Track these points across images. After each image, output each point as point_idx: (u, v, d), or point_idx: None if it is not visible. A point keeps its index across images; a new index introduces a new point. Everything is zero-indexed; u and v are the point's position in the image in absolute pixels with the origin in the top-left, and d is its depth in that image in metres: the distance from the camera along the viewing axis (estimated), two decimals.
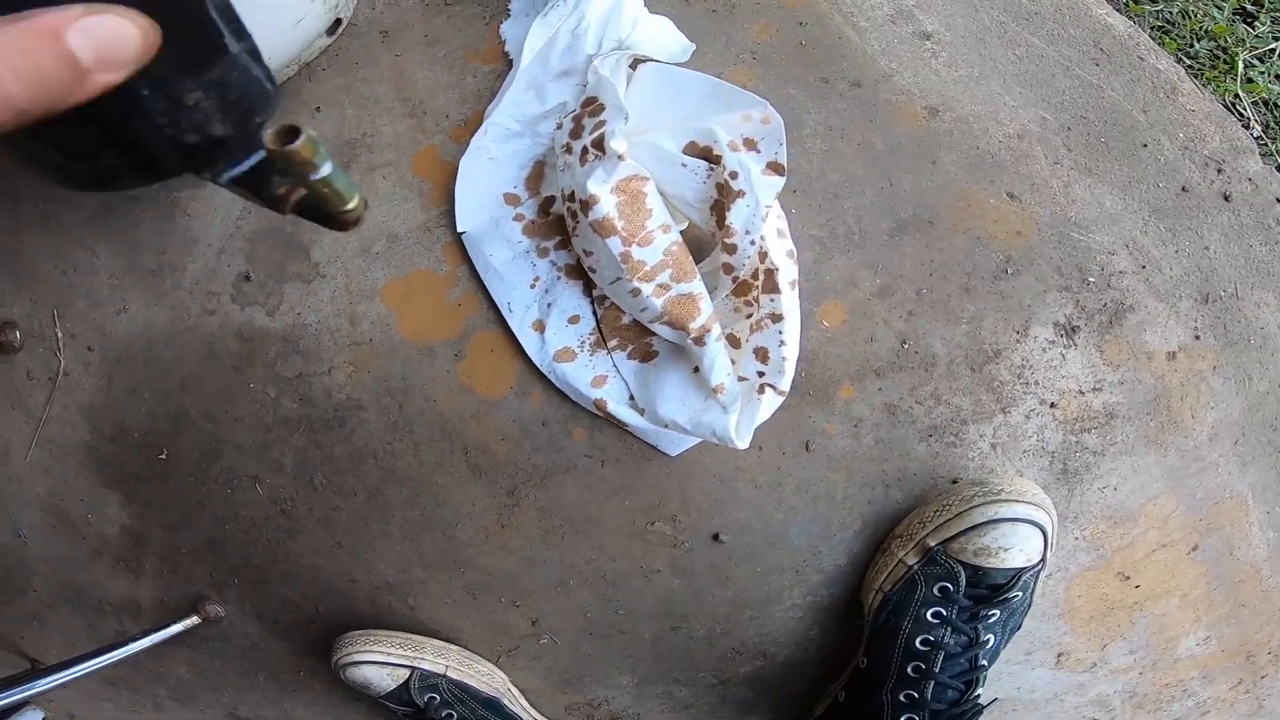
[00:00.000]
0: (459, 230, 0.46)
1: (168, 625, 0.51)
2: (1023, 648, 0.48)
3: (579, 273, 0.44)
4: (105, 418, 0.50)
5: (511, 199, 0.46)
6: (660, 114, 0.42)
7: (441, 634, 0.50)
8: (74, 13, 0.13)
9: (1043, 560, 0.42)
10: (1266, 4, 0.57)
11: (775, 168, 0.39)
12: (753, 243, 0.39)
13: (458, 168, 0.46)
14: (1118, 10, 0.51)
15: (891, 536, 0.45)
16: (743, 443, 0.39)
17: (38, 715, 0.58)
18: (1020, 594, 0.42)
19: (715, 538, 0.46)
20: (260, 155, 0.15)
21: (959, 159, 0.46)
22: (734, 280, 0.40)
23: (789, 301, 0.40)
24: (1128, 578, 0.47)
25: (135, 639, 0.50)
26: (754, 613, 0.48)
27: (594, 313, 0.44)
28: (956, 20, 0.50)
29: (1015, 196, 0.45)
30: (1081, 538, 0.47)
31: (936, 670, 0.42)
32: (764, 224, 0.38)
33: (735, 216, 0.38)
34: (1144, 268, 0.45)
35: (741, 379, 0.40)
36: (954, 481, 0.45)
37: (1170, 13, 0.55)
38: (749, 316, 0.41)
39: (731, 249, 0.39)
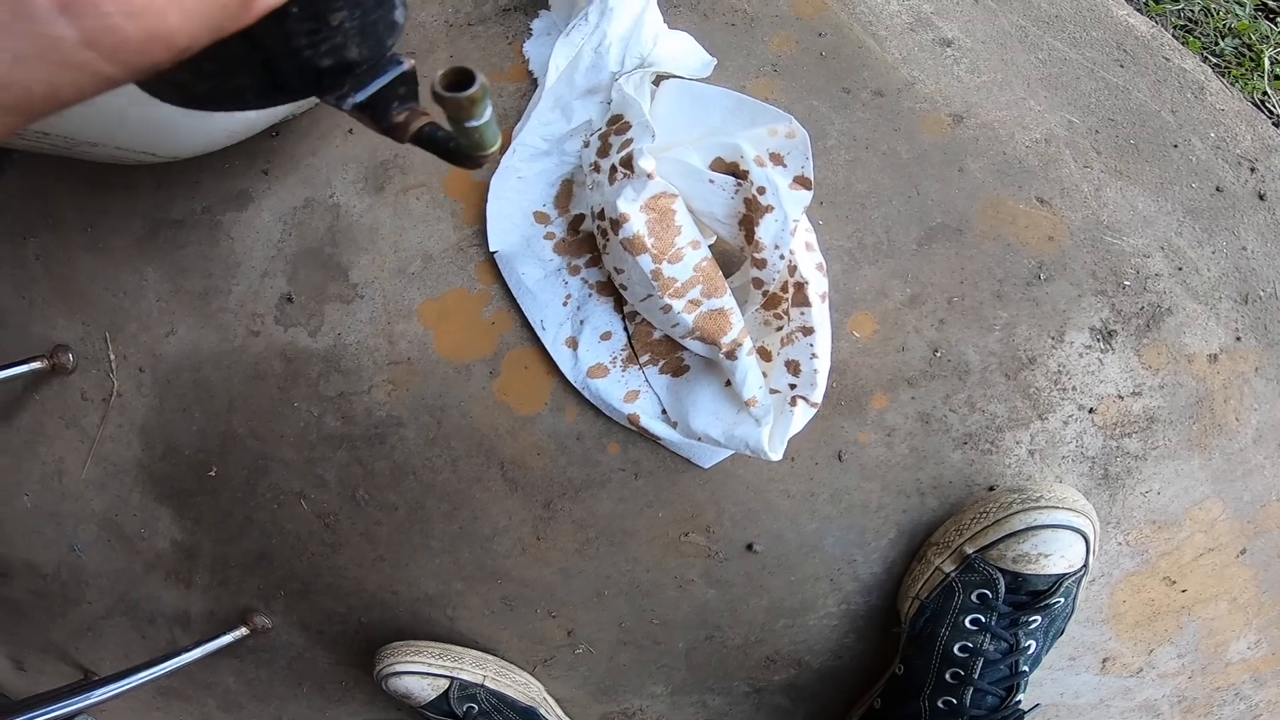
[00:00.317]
0: (491, 249, 0.47)
1: (218, 637, 0.53)
2: (1066, 653, 0.48)
3: (610, 289, 0.45)
4: (157, 436, 0.52)
5: (541, 217, 0.47)
6: (685, 130, 0.43)
7: (480, 644, 0.51)
8: None
9: (1085, 566, 0.41)
10: None
11: (802, 182, 0.39)
12: (782, 257, 0.39)
13: (488, 188, 0.47)
14: (1139, 11, 0.51)
15: (928, 544, 0.45)
16: (776, 455, 0.40)
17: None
18: (1062, 600, 0.41)
19: (749, 548, 0.46)
20: (384, 82, 0.15)
21: (986, 165, 0.46)
22: (764, 294, 0.41)
23: (819, 314, 0.40)
24: (1174, 582, 0.46)
25: (187, 650, 0.52)
26: (789, 621, 0.48)
27: (625, 329, 0.45)
28: (976, 26, 0.50)
29: (1045, 201, 0.45)
30: (1125, 543, 0.46)
31: (975, 676, 0.41)
32: (792, 238, 0.39)
33: (764, 231, 0.39)
34: (1180, 269, 0.45)
35: (773, 391, 0.41)
36: (991, 488, 0.44)
37: (1192, 11, 0.54)
38: (779, 329, 0.41)
39: (761, 264, 0.39)
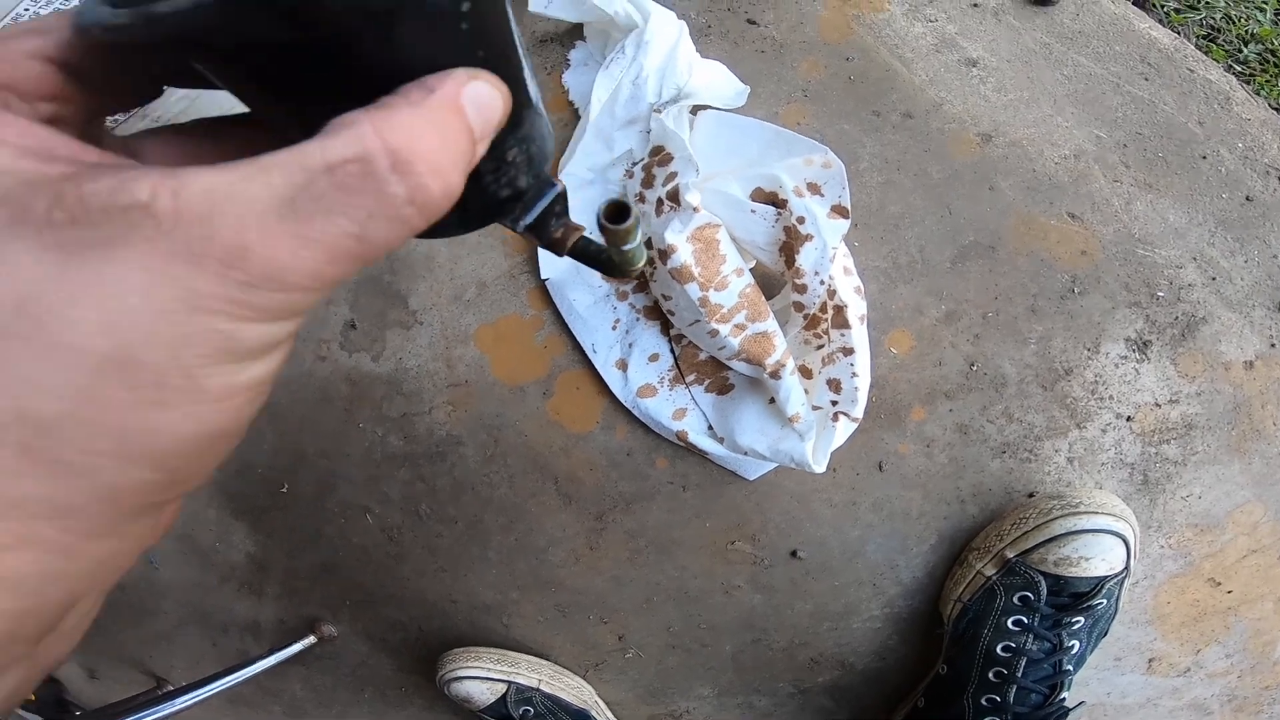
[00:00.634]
0: (542, 277, 0.50)
1: (288, 645, 0.56)
2: (1111, 654, 0.49)
3: (657, 313, 0.48)
4: (232, 455, 0.56)
5: None
6: (724, 161, 0.45)
7: (534, 650, 0.54)
8: (458, 80, 0.12)
9: (1126, 569, 0.42)
10: None
11: (840, 211, 0.41)
12: (822, 282, 0.41)
13: None
14: (1161, 23, 0.52)
15: (969, 549, 0.47)
16: (820, 467, 0.42)
17: None
18: (1104, 601, 0.42)
19: (793, 554, 0.48)
20: (545, 203, 0.16)
21: (1016, 183, 0.47)
22: (805, 317, 0.43)
23: (859, 336, 0.42)
24: (1219, 583, 0.47)
25: (261, 658, 0.55)
26: (833, 624, 0.50)
27: (672, 350, 0.47)
28: (1000, 45, 0.51)
29: (1077, 216, 0.46)
30: (1167, 545, 0.47)
31: (1019, 675, 0.43)
32: (831, 264, 0.41)
33: (804, 259, 0.41)
34: (1214, 279, 0.46)
35: (815, 408, 0.43)
36: (1030, 495, 0.46)
37: (1214, 19, 0.55)
38: (820, 348, 0.43)
39: (802, 289, 0.42)
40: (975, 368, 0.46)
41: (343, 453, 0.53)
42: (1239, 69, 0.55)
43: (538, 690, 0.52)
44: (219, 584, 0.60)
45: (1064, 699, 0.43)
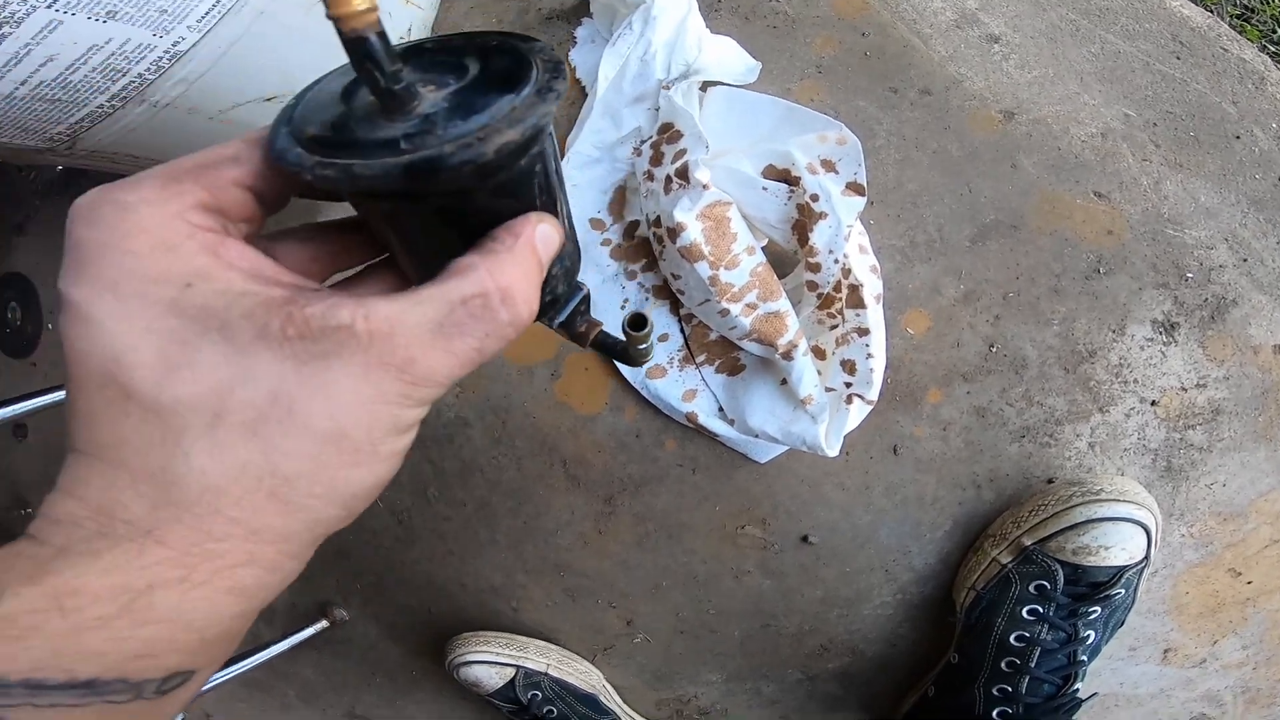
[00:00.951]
0: None
1: (300, 629, 0.57)
2: (1126, 644, 0.48)
3: (666, 293, 0.47)
4: None
5: (597, 224, 0.49)
6: (735, 138, 0.44)
7: (543, 634, 0.54)
8: (532, 224, 0.16)
9: (1146, 558, 0.41)
10: None
11: (855, 188, 0.40)
12: (836, 261, 0.40)
13: None
14: (1193, 1, 0.50)
15: (984, 536, 0.46)
16: (832, 451, 0.41)
17: (178, 716, 0.64)
18: (1122, 591, 0.41)
19: (804, 539, 0.48)
20: (574, 304, 0.20)
21: (1040, 161, 0.46)
22: (819, 296, 0.42)
23: (874, 316, 0.41)
24: (1239, 574, 0.46)
25: (275, 643, 0.56)
26: (843, 611, 0.49)
27: (682, 330, 0.46)
28: (1024, 21, 0.49)
29: (1103, 195, 0.45)
30: (1188, 534, 0.46)
31: (1032, 665, 0.42)
32: (846, 243, 0.40)
33: (818, 237, 0.40)
34: (1245, 261, 0.44)
35: (829, 390, 0.42)
36: (1049, 481, 0.45)
37: None
38: (834, 329, 0.42)
39: (815, 268, 0.41)
40: (994, 349, 0.45)
41: None
42: (1273, 49, 0.53)
43: (546, 675, 0.52)
44: None
45: (1077, 690, 0.43)
